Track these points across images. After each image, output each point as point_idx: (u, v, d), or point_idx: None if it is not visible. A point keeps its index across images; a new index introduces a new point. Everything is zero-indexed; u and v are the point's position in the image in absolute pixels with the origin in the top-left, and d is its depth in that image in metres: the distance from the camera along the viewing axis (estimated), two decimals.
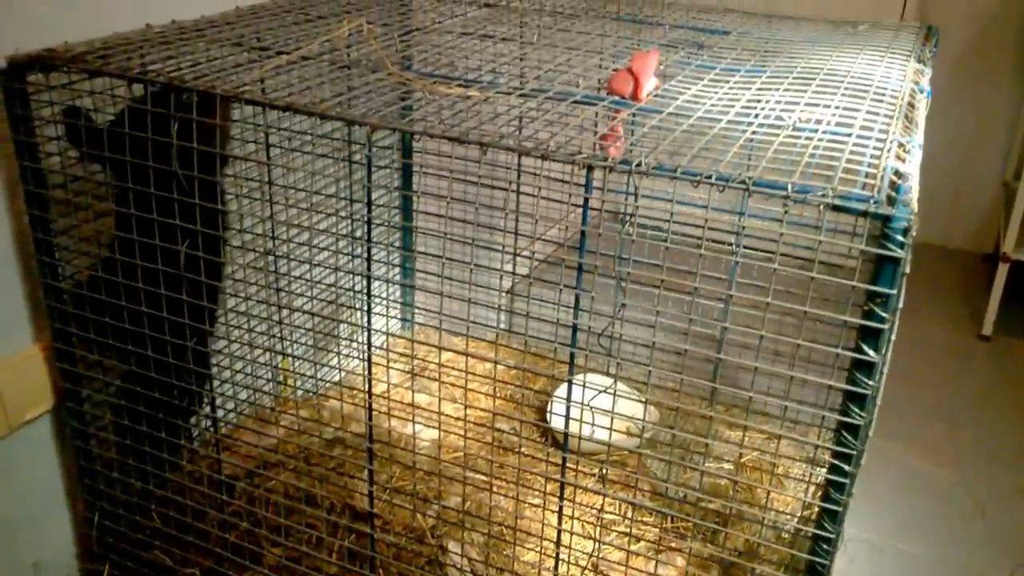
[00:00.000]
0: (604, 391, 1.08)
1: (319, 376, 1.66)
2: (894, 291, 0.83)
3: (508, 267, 1.14)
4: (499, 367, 1.82)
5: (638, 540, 1.49)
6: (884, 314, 0.84)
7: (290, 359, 1.77)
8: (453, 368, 1.68)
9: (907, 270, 0.83)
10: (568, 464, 1.22)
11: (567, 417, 1.15)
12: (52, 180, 1.33)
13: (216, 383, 1.43)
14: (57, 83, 1.26)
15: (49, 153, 1.31)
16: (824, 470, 0.98)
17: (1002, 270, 2.70)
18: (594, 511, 1.56)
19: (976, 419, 2.39)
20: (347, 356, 1.92)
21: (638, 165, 0.91)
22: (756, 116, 1.06)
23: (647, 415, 1.77)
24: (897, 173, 0.89)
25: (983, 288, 2.89)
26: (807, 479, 1.41)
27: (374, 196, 1.21)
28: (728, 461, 1.74)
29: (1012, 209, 2.71)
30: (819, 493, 1.57)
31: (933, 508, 2.04)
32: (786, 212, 0.86)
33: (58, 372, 1.45)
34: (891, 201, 0.84)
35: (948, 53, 3.17)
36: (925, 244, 3.34)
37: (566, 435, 1.17)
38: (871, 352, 0.86)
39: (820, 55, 1.37)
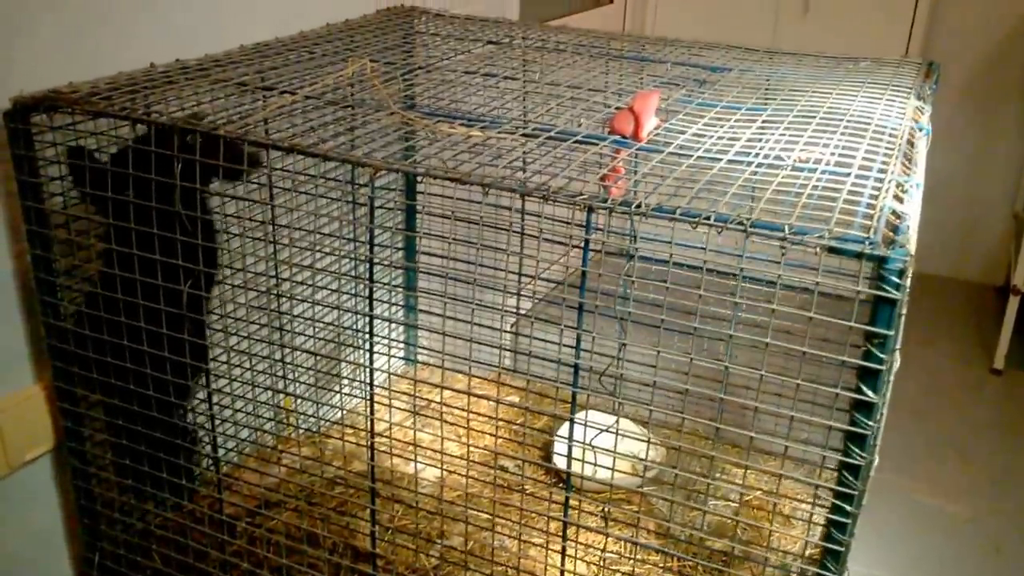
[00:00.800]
0: (606, 430, 1.10)
1: (320, 415, 1.68)
2: (891, 332, 0.85)
3: (510, 304, 1.16)
4: (501, 405, 1.84)
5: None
6: (882, 355, 0.86)
7: (292, 398, 1.79)
8: (455, 407, 1.69)
9: (904, 311, 0.85)
10: (571, 503, 1.23)
11: (569, 457, 1.16)
12: (54, 220, 1.36)
13: (217, 422, 1.45)
14: (61, 123, 1.30)
15: (52, 193, 1.34)
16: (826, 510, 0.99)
17: (1013, 303, 2.71)
18: (597, 551, 1.56)
19: (989, 454, 2.39)
20: (348, 395, 1.94)
21: (638, 206, 0.94)
22: (756, 155, 1.09)
23: (651, 453, 1.79)
24: (895, 213, 0.92)
25: (994, 320, 2.90)
26: (809, 519, 1.42)
27: (378, 236, 1.24)
28: (732, 501, 1.74)
29: (1023, 241, 2.73)
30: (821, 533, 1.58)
31: (946, 546, 2.04)
32: (784, 253, 0.88)
33: (59, 411, 1.47)
34: (888, 242, 0.86)
35: (955, 85, 3.20)
36: (935, 276, 3.36)
37: (568, 475, 1.19)
38: (870, 393, 0.88)
39: (821, 92, 1.40)
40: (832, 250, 0.85)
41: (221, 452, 1.58)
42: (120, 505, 1.56)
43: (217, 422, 1.44)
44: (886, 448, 0.96)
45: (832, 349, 0.99)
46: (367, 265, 1.12)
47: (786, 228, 0.87)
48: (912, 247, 0.86)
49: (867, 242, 0.84)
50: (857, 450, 0.90)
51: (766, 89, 1.45)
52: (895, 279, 0.83)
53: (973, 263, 3.38)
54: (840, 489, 0.93)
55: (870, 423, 0.88)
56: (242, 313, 1.45)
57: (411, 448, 1.41)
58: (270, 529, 1.55)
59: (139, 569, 1.55)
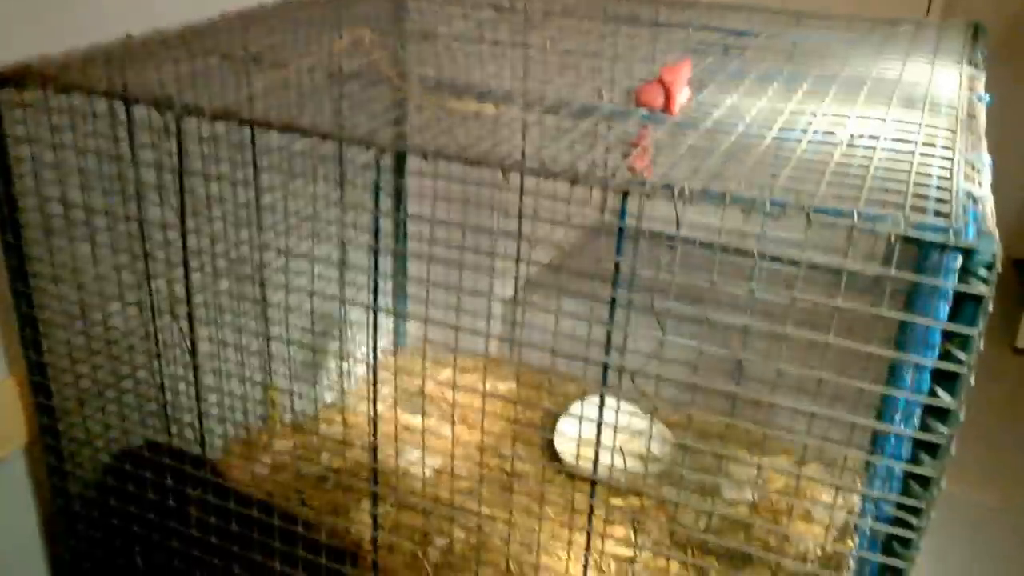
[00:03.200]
0: (638, 434, 1.02)
1: (305, 409, 1.62)
2: (975, 330, 0.77)
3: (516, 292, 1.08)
4: (508, 395, 1.76)
5: None
6: (963, 356, 0.77)
7: (279, 388, 1.72)
8: (459, 390, 1.61)
9: (991, 308, 0.77)
10: (583, 504, 1.15)
11: (596, 462, 1.08)
12: (26, 204, 1.28)
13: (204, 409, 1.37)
14: (32, 100, 1.20)
15: (23, 174, 1.25)
16: (853, 514, 0.92)
17: None
18: (614, 557, 1.49)
19: (1014, 438, 2.33)
20: (334, 388, 1.87)
21: (681, 191, 0.85)
22: (803, 131, 1.00)
23: (663, 449, 1.71)
24: (971, 196, 0.83)
25: (1015, 296, 2.83)
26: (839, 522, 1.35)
27: (364, 218, 1.15)
28: (748, 498, 1.67)
29: None
30: (849, 534, 1.51)
31: (973, 535, 1.98)
32: (851, 243, 0.79)
33: (34, 407, 1.40)
34: (967, 229, 0.77)
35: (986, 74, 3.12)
36: None
37: (593, 483, 1.11)
38: (947, 397, 0.80)
39: (861, 60, 1.31)
40: (909, 240, 0.76)
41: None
42: (100, 504, 1.48)
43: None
44: None
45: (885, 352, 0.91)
46: (365, 252, 1.02)
47: (855, 214, 0.78)
48: (997, 236, 0.78)
49: (951, 231, 0.76)
50: (929, 458, 0.82)
51: (799, 56, 1.35)
52: (984, 272, 0.74)
53: None
54: (906, 501, 0.85)
55: (945, 431, 0.80)
56: (226, 301, 1.36)
57: (410, 438, 1.33)
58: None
59: (121, 571, 1.47)
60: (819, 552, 1.50)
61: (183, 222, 1.08)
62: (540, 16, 1.65)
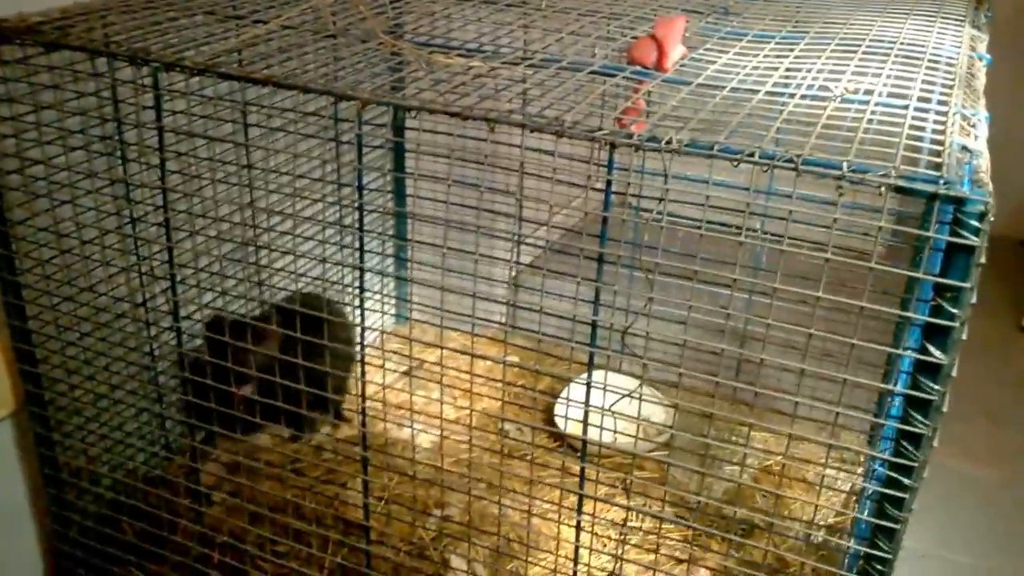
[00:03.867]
0: (628, 395, 1.01)
1: None
2: (968, 284, 0.76)
3: (516, 255, 1.07)
4: (502, 366, 1.75)
5: (658, 550, 1.42)
6: (955, 310, 0.76)
7: None
8: (453, 367, 1.61)
9: (982, 260, 0.76)
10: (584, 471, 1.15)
11: (585, 423, 1.08)
12: (5, 165, 1.26)
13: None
14: (11, 57, 1.18)
15: (3, 135, 1.24)
16: (858, 477, 0.92)
17: None
18: (610, 523, 1.49)
19: (1019, 415, 2.32)
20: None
21: (668, 142, 0.84)
22: (797, 87, 0.98)
23: (663, 417, 1.71)
24: (964, 149, 0.82)
25: (1022, 276, 2.81)
26: (847, 486, 1.35)
27: (365, 180, 1.14)
28: (753, 468, 1.67)
29: None
30: (853, 501, 1.50)
31: (976, 512, 1.97)
32: (840, 195, 0.78)
33: (19, 374, 1.38)
34: (961, 181, 0.76)
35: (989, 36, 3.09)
36: None
37: (584, 443, 1.10)
38: (939, 353, 0.79)
39: (862, 20, 1.29)
40: (900, 190, 0.75)
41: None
42: (89, 474, 1.47)
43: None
44: None
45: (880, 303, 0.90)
46: (355, 213, 1.01)
47: (844, 166, 0.77)
48: (990, 186, 0.76)
49: (941, 181, 0.74)
50: (920, 417, 0.81)
51: (798, 17, 1.34)
52: (975, 223, 0.73)
53: (999, 215, 3.25)
54: (899, 460, 0.85)
55: (937, 387, 0.80)
56: (217, 267, 1.34)
57: (406, 412, 1.32)
58: (251, 500, 1.46)
59: (111, 542, 1.47)
60: (823, 522, 1.50)
61: (163, 179, 1.07)
62: None
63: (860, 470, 1.48)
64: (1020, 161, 3.19)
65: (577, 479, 1.14)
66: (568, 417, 1.63)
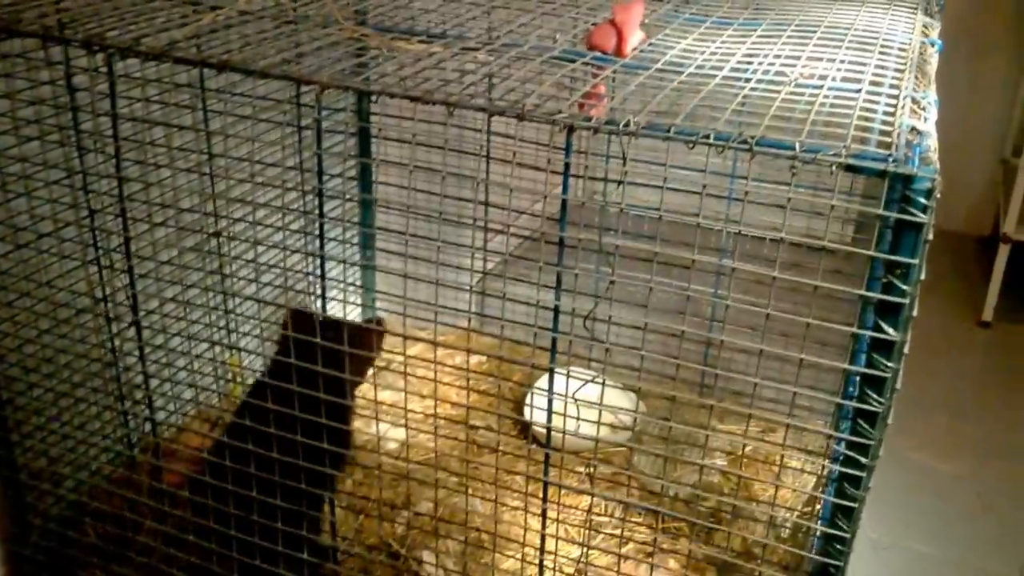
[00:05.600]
0: (590, 382, 1.04)
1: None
2: (916, 261, 0.79)
3: (481, 246, 1.08)
4: (473, 359, 1.77)
5: (628, 542, 1.45)
6: (905, 287, 0.80)
7: (237, 354, 1.70)
8: (420, 361, 1.62)
9: (930, 236, 0.79)
10: (551, 463, 1.17)
11: (549, 411, 1.10)
12: None
13: (155, 382, 1.36)
14: None
15: None
16: (826, 461, 0.95)
17: (1003, 252, 2.69)
18: (581, 512, 1.51)
19: (979, 410, 2.38)
20: None
21: (626, 125, 0.86)
22: (754, 72, 1.01)
23: (630, 406, 1.73)
24: (914, 130, 0.85)
25: (981, 272, 2.88)
26: (817, 472, 1.38)
27: (328, 166, 1.15)
28: (721, 453, 1.70)
29: (1012, 187, 2.69)
30: (820, 486, 1.54)
31: (938, 504, 2.03)
32: (794, 175, 0.81)
33: None
34: (910, 160, 0.79)
35: (942, 28, 3.16)
36: None
37: (548, 431, 1.13)
38: (890, 330, 0.82)
39: (819, 7, 1.33)
40: (850, 168, 0.78)
41: (160, 415, 1.50)
42: (50, 476, 1.47)
43: (154, 382, 1.35)
44: None
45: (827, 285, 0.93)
46: (316, 198, 1.03)
47: (797, 146, 0.80)
48: (937, 164, 0.79)
49: (890, 159, 0.77)
50: (874, 395, 0.84)
51: (758, 4, 1.37)
52: (923, 200, 0.76)
53: (957, 213, 3.33)
54: (855, 439, 0.88)
55: (890, 364, 0.83)
56: (177, 258, 1.35)
57: (372, 408, 1.33)
58: (216, 498, 1.47)
59: (73, 545, 1.47)
60: (791, 506, 1.53)
61: (119, 169, 1.08)
62: None
63: (827, 452, 1.51)
64: (978, 160, 3.26)
65: (544, 469, 1.16)
66: (534, 406, 1.65)
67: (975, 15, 3.16)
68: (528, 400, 1.80)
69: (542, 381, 1.75)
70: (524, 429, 1.81)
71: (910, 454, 2.16)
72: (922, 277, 0.81)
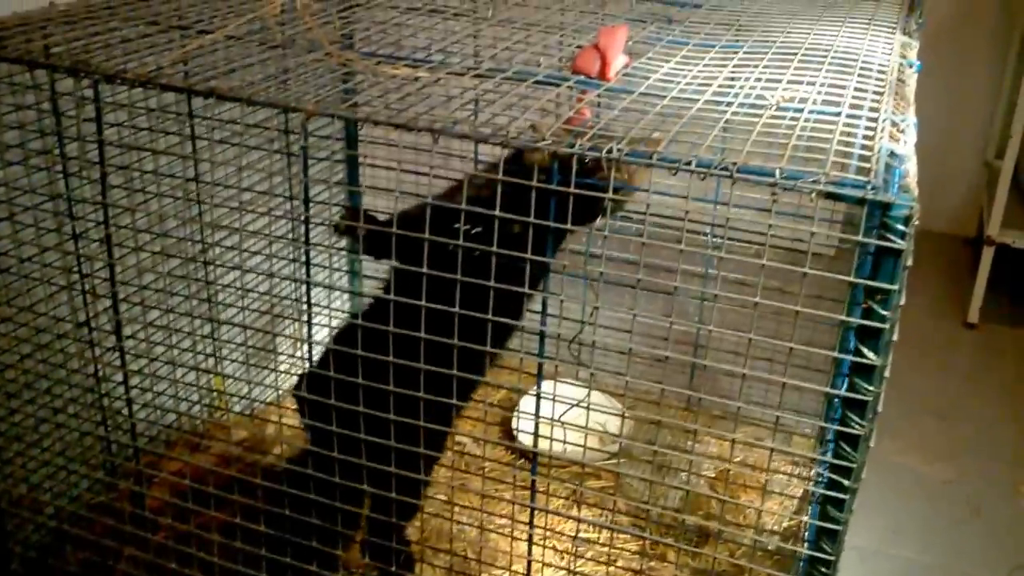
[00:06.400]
0: (576, 405, 1.05)
1: (254, 396, 1.61)
2: (895, 287, 0.81)
3: None
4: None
5: (614, 563, 1.46)
6: (885, 312, 0.82)
7: (222, 377, 1.71)
8: None
9: (909, 262, 0.81)
10: (538, 485, 1.19)
11: (535, 435, 1.11)
12: None
13: (136, 407, 1.37)
14: None
15: None
16: (811, 483, 0.97)
17: (987, 254, 2.73)
18: (567, 536, 1.53)
19: (967, 412, 2.40)
20: (286, 373, 1.86)
21: (609, 152, 0.88)
22: (735, 96, 1.04)
23: (618, 426, 1.75)
24: (893, 155, 0.88)
25: (966, 273, 2.92)
26: (798, 494, 1.40)
27: (316, 192, 1.17)
28: (707, 472, 1.72)
29: (995, 190, 2.74)
30: (807, 506, 1.56)
31: (926, 509, 2.05)
32: (774, 201, 0.83)
33: None
34: (889, 186, 0.82)
35: (926, 31, 3.23)
36: None
37: (534, 455, 1.14)
38: (871, 355, 0.84)
39: (799, 28, 1.36)
40: (830, 195, 0.80)
41: (142, 441, 1.50)
42: (31, 503, 1.47)
43: (135, 406, 1.36)
44: None
45: (822, 308, 0.95)
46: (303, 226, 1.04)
47: (777, 173, 0.82)
48: (916, 191, 0.82)
49: (868, 186, 0.80)
50: (856, 418, 0.86)
51: (739, 26, 1.40)
52: (901, 227, 0.78)
53: (942, 215, 3.40)
54: (838, 462, 0.90)
55: (871, 388, 0.85)
56: (162, 283, 1.36)
57: None
58: (200, 525, 1.47)
59: (55, 573, 1.47)
60: (775, 527, 1.55)
61: (104, 194, 1.09)
62: None
63: (812, 474, 1.53)
64: (963, 162, 3.33)
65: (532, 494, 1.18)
66: (520, 430, 1.67)
67: (958, 22, 3.23)
68: (516, 424, 1.81)
69: (529, 401, 1.77)
70: (511, 436, 1.82)
71: (897, 458, 2.18)
72: (902, 302, 0.83)
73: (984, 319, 2.79)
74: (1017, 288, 2.98)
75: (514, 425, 1.82)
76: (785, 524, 1.55)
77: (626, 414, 1.06)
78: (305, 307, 1.12)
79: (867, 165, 0.84)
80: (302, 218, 1.03)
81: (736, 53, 1.23)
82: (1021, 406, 2.43)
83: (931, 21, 3.22)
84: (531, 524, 1.20)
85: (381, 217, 1.18)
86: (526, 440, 1.70)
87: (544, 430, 1.14)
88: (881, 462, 2.14)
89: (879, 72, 1.13)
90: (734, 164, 0.84)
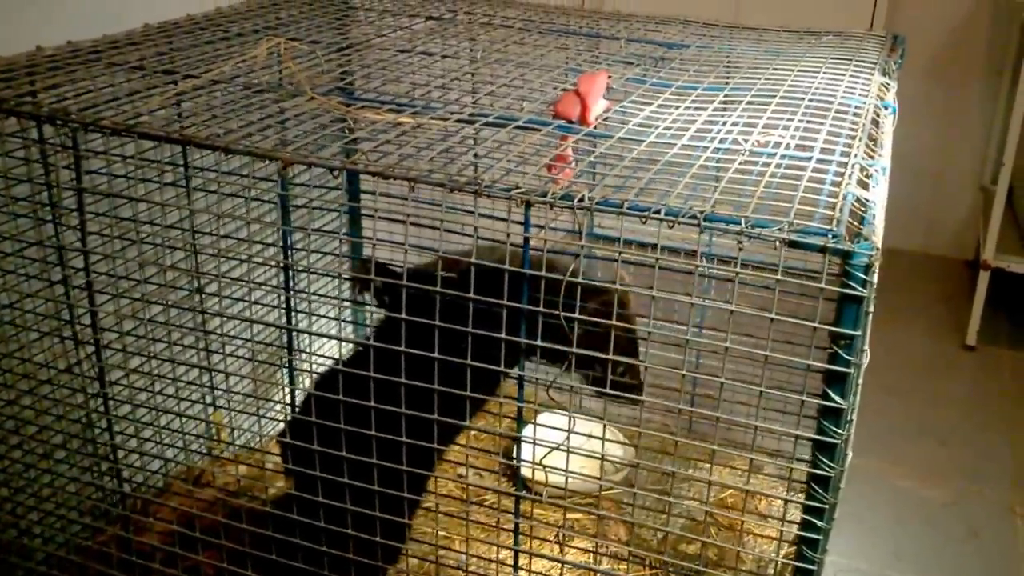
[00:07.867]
0: (556, 448, 1.09)
1: (240, 441, 1.64)
2: (858, 332, 0.85)
3: None
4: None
5: None
6: (849, 357, 0.85)
7: (221, 414, 1.75)
8: None
9: (871, 309, 0.85)
10: (528, 515, 1.21)
11: (519, 480, 1.15)
12: None
13: (121, 454, 1.40)
14: None
15: None
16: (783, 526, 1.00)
17: (983, 278, 2.81)
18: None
19: (965, 434, 2.44)
20: (274, 419, 1.90)
21: (581, 200, 0.93)
22: (712, 140, 1.08)
23: (620, 454, 1.78)
24: (860, 201, 0.92)
25: (966, 296, 2.99)
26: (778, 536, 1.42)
27: (299, 239, 1.21)
28: (702, 503, 1.74)
29: (991, 214, 2.80)
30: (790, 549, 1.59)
31: (924, 531, 2.08)
32: (740, 248, 0.87)
33: None
34: (853, 235, 0.86)
35: (921, 58, 3.32)
36: (904, 251, 3.46)
37: (517, 500, 1.18)
38: (837, 398, 0.87)
39: (781, 69, 1.40)
40: (793, 244, 0.84)
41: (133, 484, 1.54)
42: (19, 548, 1.50)
43: (121, 453, 1.39)
44: (858, 429, 0.97)
45: (798, 351, 0.99)
46: (288, 274, 1.09)
47: (743, 221, 0.86)
48: (879, 240, 0.86)
49: (830, 235, 0.84)
50: (826, 460, 0.90)
51: (725, 66, 1.45)
52: (861, 275, 0.82)
53: (941, 237, 3.50)
54: (809, 503, 0.93)
55: (838, 431, 0.88)
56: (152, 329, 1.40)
57: None
58: (190, 568, 1.50)
59: None
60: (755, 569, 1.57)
61: (84, 242, 1.13)
62: (478, 28, 1.74)
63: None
64: (958, 187, 3.42)
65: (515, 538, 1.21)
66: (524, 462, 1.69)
67: (953, 48, 3.34)
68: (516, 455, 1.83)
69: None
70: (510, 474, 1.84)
71: (898, 481, 2.22)
72: (866, 347, 0.87)
73: (982, 341, 2.86)
74: (1015, 311, 3.06)
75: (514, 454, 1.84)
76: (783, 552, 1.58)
77: (602, 457, 1.09)
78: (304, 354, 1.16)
79: (832, 213, 0.88)
80: (296, 266, 1.07)
81: (717, 95, 1.27)
82: (1018, 428, 2.48)
83: (927, 53, 3.33)
84: (515, 567, 1.23)
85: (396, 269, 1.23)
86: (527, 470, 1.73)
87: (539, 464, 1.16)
88: (878, 483, 2.18)
89: (854, 115, 1.17)
90: (702, 212, 0.89)
